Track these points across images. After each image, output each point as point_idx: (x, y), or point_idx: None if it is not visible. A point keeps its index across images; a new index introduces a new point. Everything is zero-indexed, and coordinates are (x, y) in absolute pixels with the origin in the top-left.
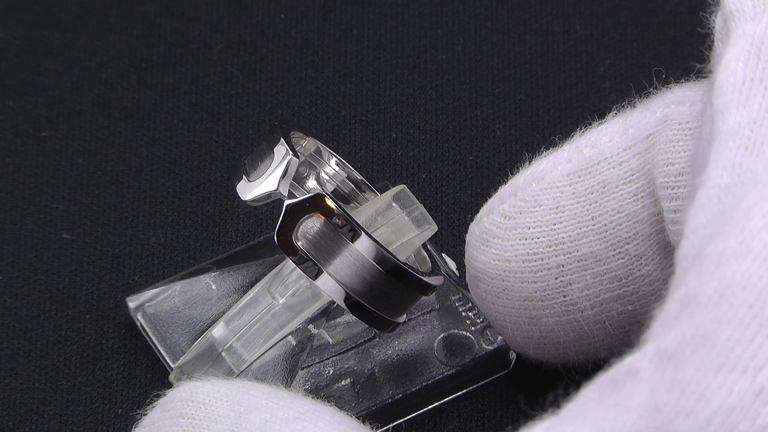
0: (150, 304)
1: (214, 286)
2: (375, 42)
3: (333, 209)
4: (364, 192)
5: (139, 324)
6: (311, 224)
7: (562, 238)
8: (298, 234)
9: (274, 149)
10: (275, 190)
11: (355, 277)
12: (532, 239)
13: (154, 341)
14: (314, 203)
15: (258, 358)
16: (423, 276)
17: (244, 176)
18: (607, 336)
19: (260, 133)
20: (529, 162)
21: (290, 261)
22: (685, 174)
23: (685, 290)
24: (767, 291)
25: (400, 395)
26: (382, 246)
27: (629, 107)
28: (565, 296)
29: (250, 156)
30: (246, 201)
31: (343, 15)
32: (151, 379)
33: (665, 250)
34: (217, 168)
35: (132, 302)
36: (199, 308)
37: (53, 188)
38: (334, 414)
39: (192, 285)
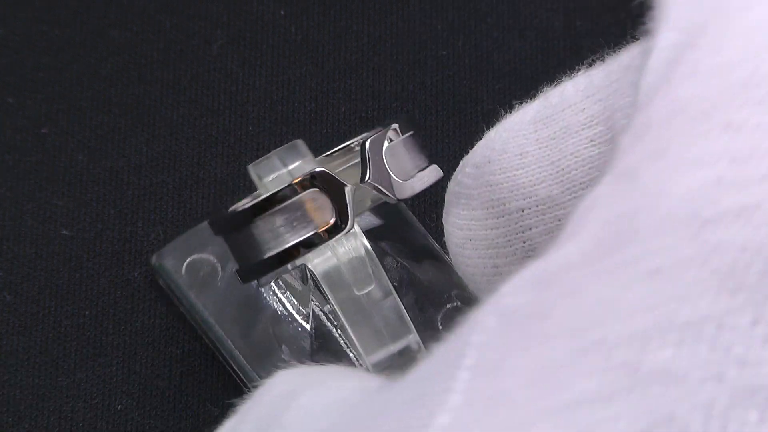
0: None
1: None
2: (375, 38)
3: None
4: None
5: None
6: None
7: (523, 182)
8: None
9: None
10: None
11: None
12: (496, 185)
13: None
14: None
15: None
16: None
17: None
18: None
19: (260, 129)
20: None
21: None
22: None
23: (637, 120)
24: (719, 96)
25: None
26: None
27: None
28: (524, 241)
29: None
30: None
31: (344, 11)
32: (151, 375)
33: None
34: (216, 164)
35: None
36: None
37: (53, 184)
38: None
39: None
